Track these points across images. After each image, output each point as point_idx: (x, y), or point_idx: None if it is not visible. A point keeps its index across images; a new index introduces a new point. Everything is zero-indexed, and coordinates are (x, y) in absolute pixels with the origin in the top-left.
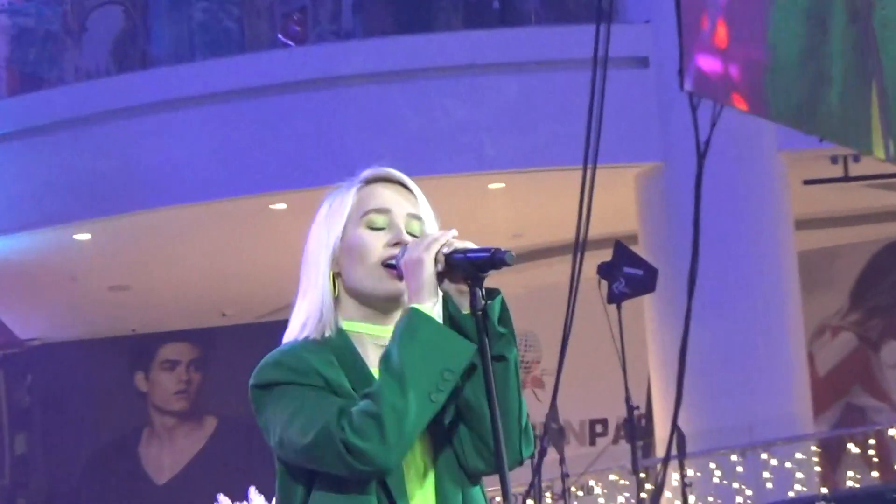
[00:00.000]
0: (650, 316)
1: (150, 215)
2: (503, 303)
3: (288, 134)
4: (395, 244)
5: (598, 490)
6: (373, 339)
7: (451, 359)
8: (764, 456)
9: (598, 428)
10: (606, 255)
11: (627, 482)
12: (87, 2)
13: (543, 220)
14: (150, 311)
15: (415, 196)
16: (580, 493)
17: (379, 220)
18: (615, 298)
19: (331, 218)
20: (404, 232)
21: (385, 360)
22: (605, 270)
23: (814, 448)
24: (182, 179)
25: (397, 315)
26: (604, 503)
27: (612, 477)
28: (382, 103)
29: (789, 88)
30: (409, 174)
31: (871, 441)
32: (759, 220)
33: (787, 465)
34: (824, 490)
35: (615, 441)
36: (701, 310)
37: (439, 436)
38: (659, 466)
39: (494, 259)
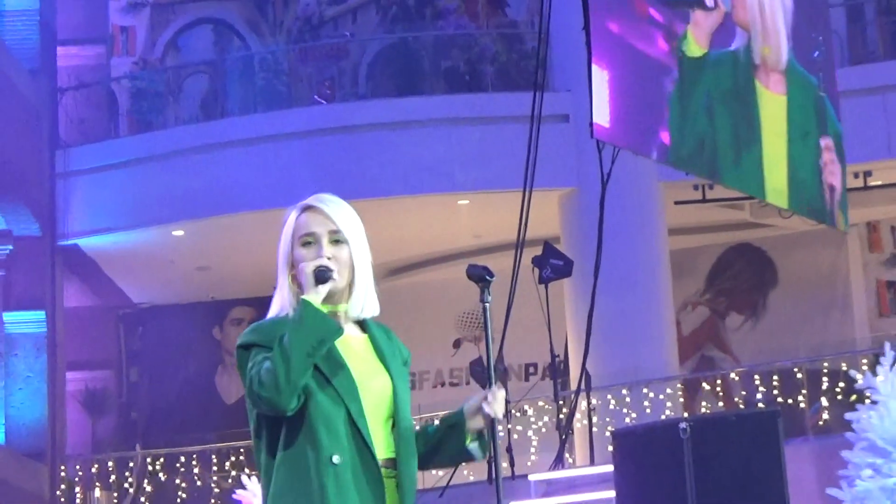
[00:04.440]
0: (568, 293)
1: (225, 218)
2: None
3: (321, 163)
4: (317, 257)
5: (530, 412)
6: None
7: (323, 330)
8: (644, 390)
9: (531, 369)
10: (538, 250)
11: (550, 407)
12: (183, 70)
13: (495, 225)
14: (224, 285)
15: (333, 219)
16: (518, 414)
17: (309, 239)
18: (544, 280)
19: (284, 239)
20: (324, 247)
21: (281, 335)
22: (537, 261)
23: (679, 385)
24: (247, 194)
25: (340, 296)
26: (534, 421)
27: (540, 403)
28: (386, 143)
29: (686, 152)
30: (404, 194)
31: (718, 381)
32: (643, 228)
33: (661, 396)
34: (686, 414)
35: (542, 378)
36: (602, 289)
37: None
38: (572, 396)
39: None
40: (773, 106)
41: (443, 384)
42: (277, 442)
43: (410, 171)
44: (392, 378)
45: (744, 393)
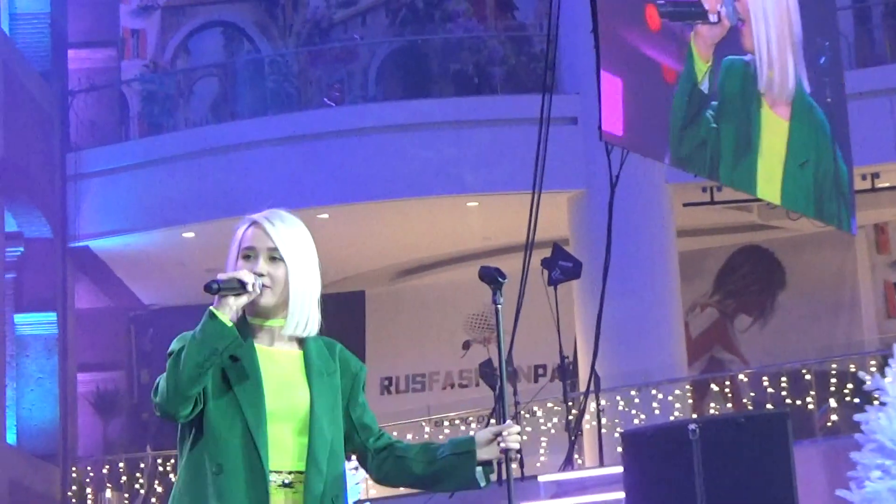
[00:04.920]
0: (577, 295)
1: (235, 220)
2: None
3: (330, 166)
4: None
5: (539, 413)
6: (258, 325)
7: (218, 341)
8: (653, 391)
9: (540, 370)
10: (547, 252)
11: (559, 408)
12: (194, 74)
13: (505, 227)
14: None
15: (272, 237)
16: (527, 416)
17: (249, 253)
18: (553, 282)
19: (231, 249)
20: (260, 263)
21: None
22: (546, 263)
23: (688, 387)
24: (257, 196)
25: (274, 311)
26: (543, 422)
27: (550, 405)
28: (395, 146)
29: (683, 148)
30: (412, 196)
31: (727, 383)
32: (652, 230)
33: (670, 398)
34: (695, 416)
35: (552, 380)
36: (611, 291)
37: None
38: (581, 398)
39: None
40: (774, 127)
41: (452, 385)
42: (186, 447)
43: (419, 174)
44: (312, 393)
45: (752, 394)
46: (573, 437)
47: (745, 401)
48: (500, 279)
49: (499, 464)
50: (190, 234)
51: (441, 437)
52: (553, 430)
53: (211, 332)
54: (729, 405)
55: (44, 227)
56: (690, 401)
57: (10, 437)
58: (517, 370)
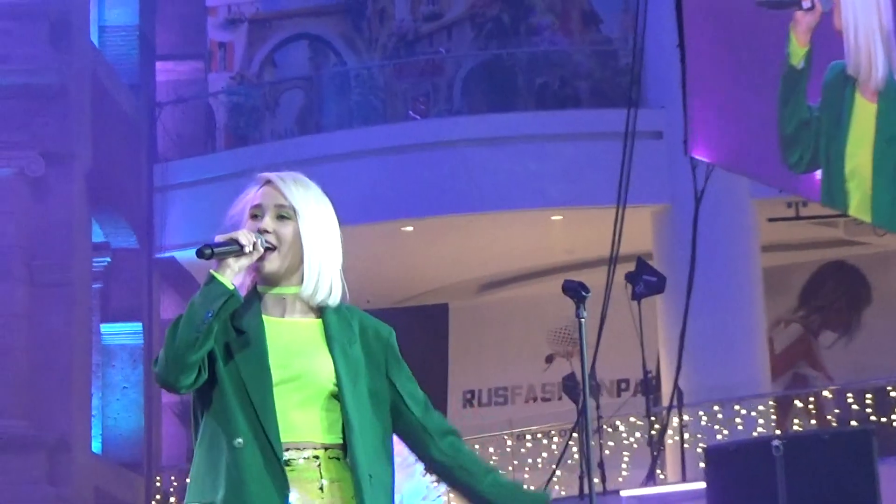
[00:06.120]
0: (660, 309)
1: None
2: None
3: (415, 179)
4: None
5: (622, 428)
6: (268, 294)
7: (215, 301)
8: (737, 407)
9: (623, 385)
10: (631, 266)
11: (642, 423)
12: (280, 86)
13: (589, 241)
14: None
15: (283, 193)
16: (609, 430)
17: (256, 212)
18: (637, 297)
19: (241, 208)
20: (266, 220)
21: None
22: (630, 277)
23: (771, 403)
24: (340, 208)
25: (285, 277)
26: (626, 437)
27: (632, 419)
28: (480, 159)
29: (787, 126)
30: (496, 209)
31: (811, 399)
32: (737, 245)
33: (753, 413)
34: (778, 432)
35: (634, 394)
36: (695, 306)
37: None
38: (664, 413)
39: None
40: (864, 111)
41: (535, 399)
42: (199, 425)
43: (504, 187)
44: (335, 362)
45: (837, 411)
46: (655, 452)
47: (829, 417)
48: (583, 293)
49: (580, 478)
50: None
51: (523, 450)
52: (635, 445)
53: (208, 294)
54: (813, 422)
55: (130, 237)
56: (774, 417)
57: (96, 446)
58: (600, 384)
